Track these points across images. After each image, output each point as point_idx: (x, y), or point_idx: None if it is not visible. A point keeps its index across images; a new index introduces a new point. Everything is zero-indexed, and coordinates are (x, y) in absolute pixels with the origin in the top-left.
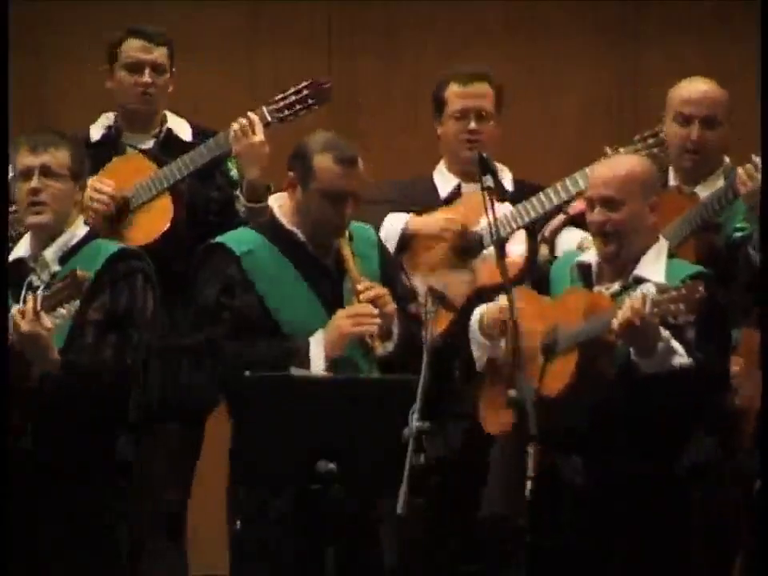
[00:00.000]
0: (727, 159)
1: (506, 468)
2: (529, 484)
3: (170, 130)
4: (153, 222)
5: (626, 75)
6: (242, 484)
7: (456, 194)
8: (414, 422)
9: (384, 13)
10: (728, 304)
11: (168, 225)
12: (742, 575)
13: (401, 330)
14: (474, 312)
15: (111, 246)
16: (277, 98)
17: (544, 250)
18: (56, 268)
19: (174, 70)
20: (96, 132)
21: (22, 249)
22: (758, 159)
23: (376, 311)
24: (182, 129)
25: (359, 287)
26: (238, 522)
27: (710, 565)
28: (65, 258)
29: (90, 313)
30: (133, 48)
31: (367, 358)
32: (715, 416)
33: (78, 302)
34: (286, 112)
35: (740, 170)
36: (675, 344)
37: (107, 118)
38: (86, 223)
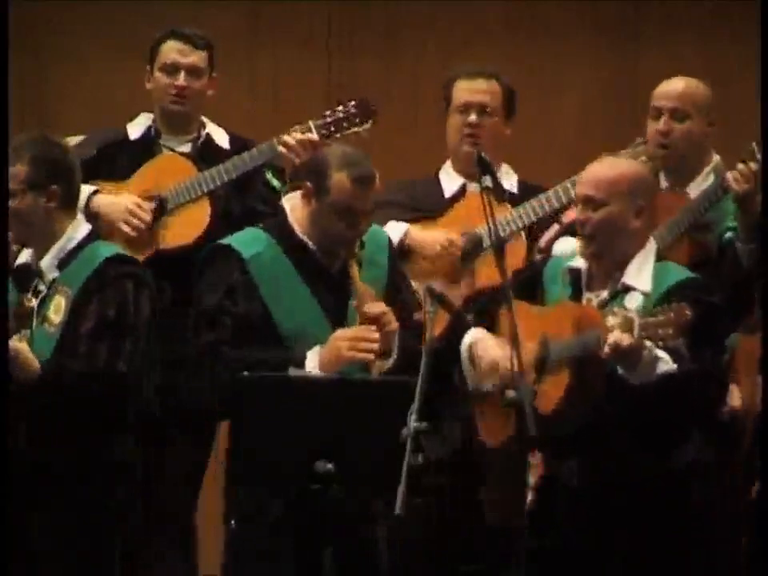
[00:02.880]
0: (717, 157)
1: (506, 475)
2: (530, 494)
3: (208, 136)
4: (188, 225)
5: (626, 75)
6: (240, 484)
7: (461, 193)
8: (412, 422)
9: (384, 13)
10: (721, 305)
11: (203, 229)
12: (743, 574)
13: (400, 344)
14: (464, 341)
15: (105, 250)
16: (325, 114)
17: None
18: (54, 275)
19: (213, 75)
20: (135, 131)
21: (26, 253)
22: (755, 148)
23: (376, 335)
24: (220, 136)
25: (364, 308)
26: (233, 522)
27: (709, 563)
28: (63, 263)
29: (81, 317)
30: (170, 50)
31: (364, 372)
32: (711, 416)
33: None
34: (332, 129)
35: (731, 173)
36: (659, 351)
37: (147, 118)
38: (88, 221)
